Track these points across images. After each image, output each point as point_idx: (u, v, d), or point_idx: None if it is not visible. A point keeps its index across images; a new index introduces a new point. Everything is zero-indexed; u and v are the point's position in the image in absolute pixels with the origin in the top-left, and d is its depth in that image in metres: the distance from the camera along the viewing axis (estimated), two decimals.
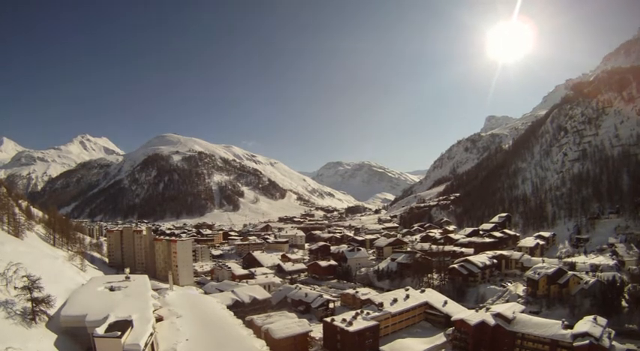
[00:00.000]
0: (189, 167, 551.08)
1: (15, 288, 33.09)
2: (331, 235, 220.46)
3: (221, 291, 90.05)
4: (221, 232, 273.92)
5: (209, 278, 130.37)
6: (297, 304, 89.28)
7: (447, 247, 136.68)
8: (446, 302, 79.98)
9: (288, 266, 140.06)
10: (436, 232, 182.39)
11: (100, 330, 28.16)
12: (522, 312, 66.69)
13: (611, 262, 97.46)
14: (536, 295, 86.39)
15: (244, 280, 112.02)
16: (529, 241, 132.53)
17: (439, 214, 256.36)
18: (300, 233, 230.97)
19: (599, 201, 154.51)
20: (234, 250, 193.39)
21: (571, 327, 56.36)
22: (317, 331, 68.38)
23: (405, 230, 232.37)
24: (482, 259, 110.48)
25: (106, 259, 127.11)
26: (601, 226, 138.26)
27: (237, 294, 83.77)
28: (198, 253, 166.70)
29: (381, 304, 72.90)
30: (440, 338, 69.30)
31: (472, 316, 64.68)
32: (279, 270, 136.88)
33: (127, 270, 56.63)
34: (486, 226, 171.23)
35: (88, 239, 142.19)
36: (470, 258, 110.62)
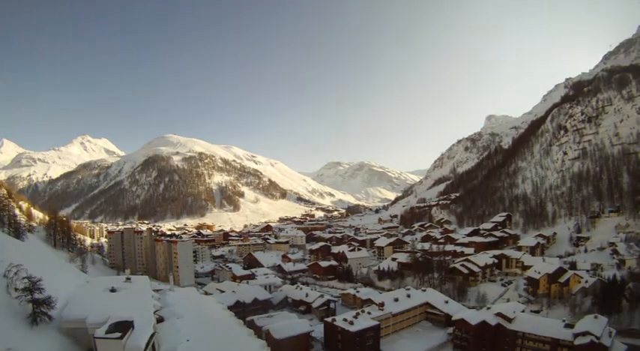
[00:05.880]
0: (189, 168, 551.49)
1: (16, 289, 33.08)
2: (332, 235, 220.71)
3: (222, 291, 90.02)
4: (221, 232, 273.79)
5: (210, 279, 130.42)
6: (298, 305, 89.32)
7: (448, 247, 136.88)
8: (447, 302, 80.00)
9: (288, 266, 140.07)
10: (436, 232, 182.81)
11: (101, 331, 28.13)
12: (523, 311, 66.81)
13: (612, 261, 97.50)
14: (536, 294, 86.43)
15: (245, 281, 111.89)
16: (529, 240, 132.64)
17: (439, 213, 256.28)
18: (301, 233, 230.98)
19: (599, 200, 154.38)
20: (234, 251, 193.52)
21: (572, 326, 56.40)
22: (318, 331, 68.36)
23: (405, 230, 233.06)
24: (482, 258, 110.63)
25: (107, 260, 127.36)
26: (601, 224, 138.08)
27: (238, 294, 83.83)
28: (198, 253, 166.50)
29: (381, 304, 72.89)
30: (441, 338, 69.41)
31: (473, 316, 64.72)
32: (279, 270, 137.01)
33: (128, 271, 56.58)
34: (487, 225, 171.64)
35: (88, 240, 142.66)
36: (470, 257, 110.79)
